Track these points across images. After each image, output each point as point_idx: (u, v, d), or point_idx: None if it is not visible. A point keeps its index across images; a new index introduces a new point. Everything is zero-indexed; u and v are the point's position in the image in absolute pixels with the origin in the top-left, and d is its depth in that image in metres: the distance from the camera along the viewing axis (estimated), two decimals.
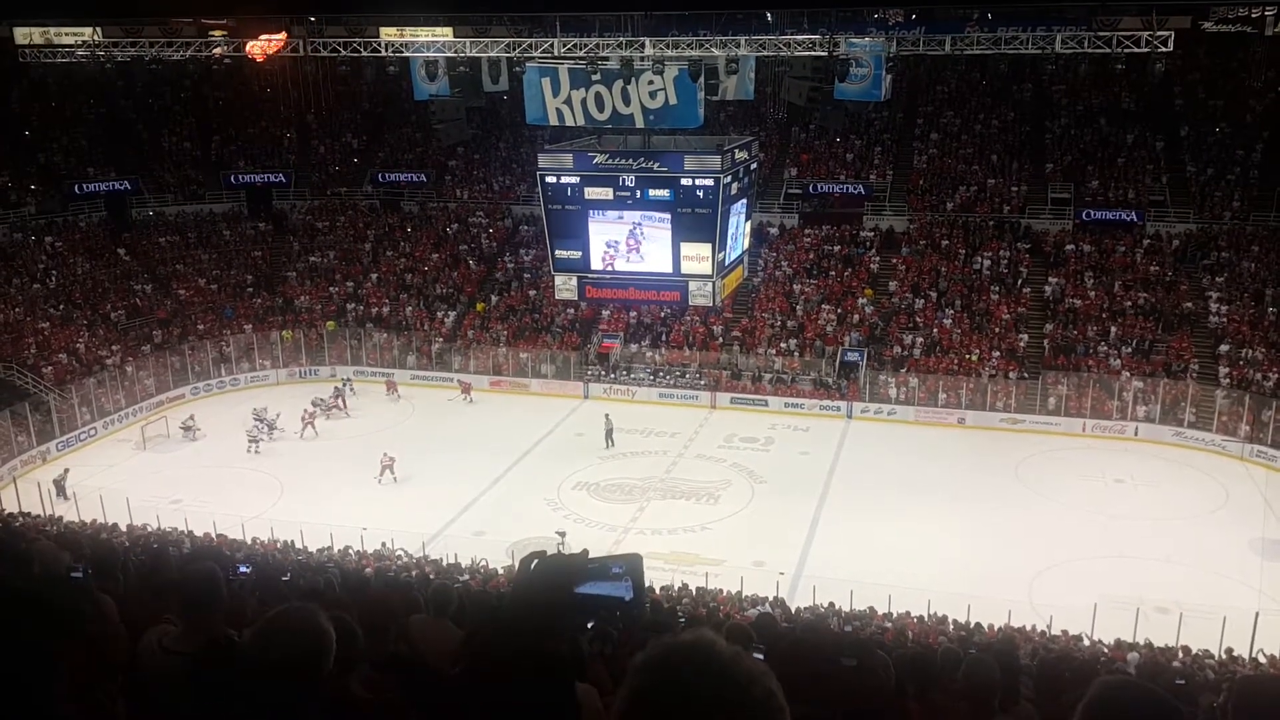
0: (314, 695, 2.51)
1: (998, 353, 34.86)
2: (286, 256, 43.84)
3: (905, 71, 39.71)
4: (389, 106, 47.99)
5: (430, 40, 29.24)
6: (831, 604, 19.66)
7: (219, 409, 35.61)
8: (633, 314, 38.73)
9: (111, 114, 45.38)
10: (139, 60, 32.71)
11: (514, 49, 25.84)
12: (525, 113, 23.96)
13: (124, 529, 21.82)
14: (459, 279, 41.85)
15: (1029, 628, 18.73)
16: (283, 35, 31.68)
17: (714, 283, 23.58)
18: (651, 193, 22.72)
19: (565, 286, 25.08)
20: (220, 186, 45.47)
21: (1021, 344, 35.27)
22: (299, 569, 13.33)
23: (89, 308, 38.21)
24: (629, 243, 23.61)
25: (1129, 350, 33.95)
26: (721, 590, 20.49)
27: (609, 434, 31.58)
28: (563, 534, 23.36)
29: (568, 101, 22.71)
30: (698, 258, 23.14)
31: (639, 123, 22.69)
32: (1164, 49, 23.94)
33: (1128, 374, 33.20)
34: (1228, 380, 32.34)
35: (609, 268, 24.08)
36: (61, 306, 37.65)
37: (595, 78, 22.41)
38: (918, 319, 36.68)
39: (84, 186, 42.55)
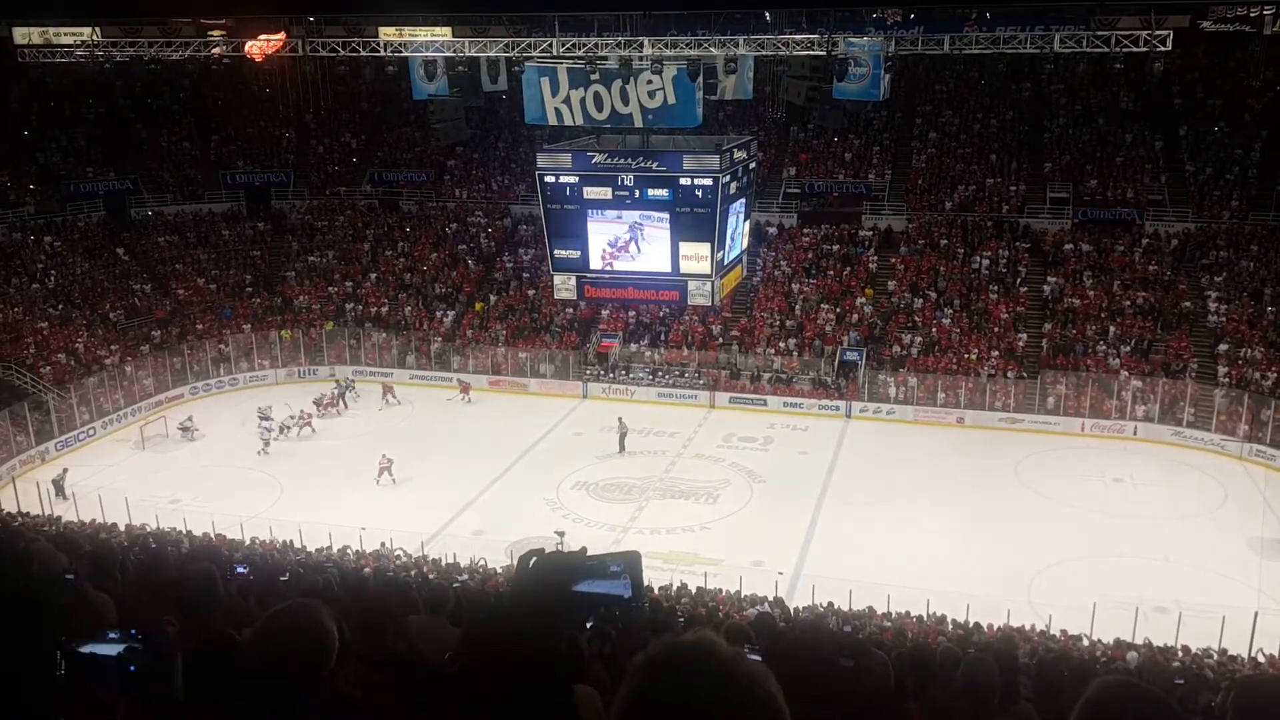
0: (315, 694, 2.50)
1: (996, 352, 34.87)
2: (285, 256, 43.82)
3: (904, 71, 39.67)
4: (388, 106, 47.95)
5: (429, 40, 29.20)
6: (830, 604, 19.66)
7: (218, 409, 35.61)
8: (631, 313, 38.73)
9: (110, 114, 45.37)
10: (138, 60, 32.72)
11: (513, 49, 25.81)
12: (524, 112, 23.91)
13: (122, 529, 21.83)
14: (458, 279, 41.84)
15: (1028, 627, 18.75)
16: (281, 35, 31.67)
17: (713, 282, 23.55)
18: (650, 192, 22.69)
19: (564, 286, 25.05)
20: (219, 186, 45.47)
21: (1020, 343, 35.28)
22: (298, 569, 13.33)
23: (88, 307, 38.19)
24: (628, 242, 23.59)
25: (1128, 350, 33.96)
26: (720, 590, 20.50)
27: (622, 438, 31.32)
28: (561, 534, 23.36)
29: (566, 101, 22.69)
30: (696, 257, 23.12)
31: (638, 122, 22.67)
32: (1162, 48, 23.95)
33: (1126, 373, 33.21)
34: (1226, 379, 32.36)
35: (608, 267, 24.07)
36: (60, 306, 37.63)
37: (594, 77, 22.40)
38: (916, 318, 36.69)
39: (83, 186, 42.56)
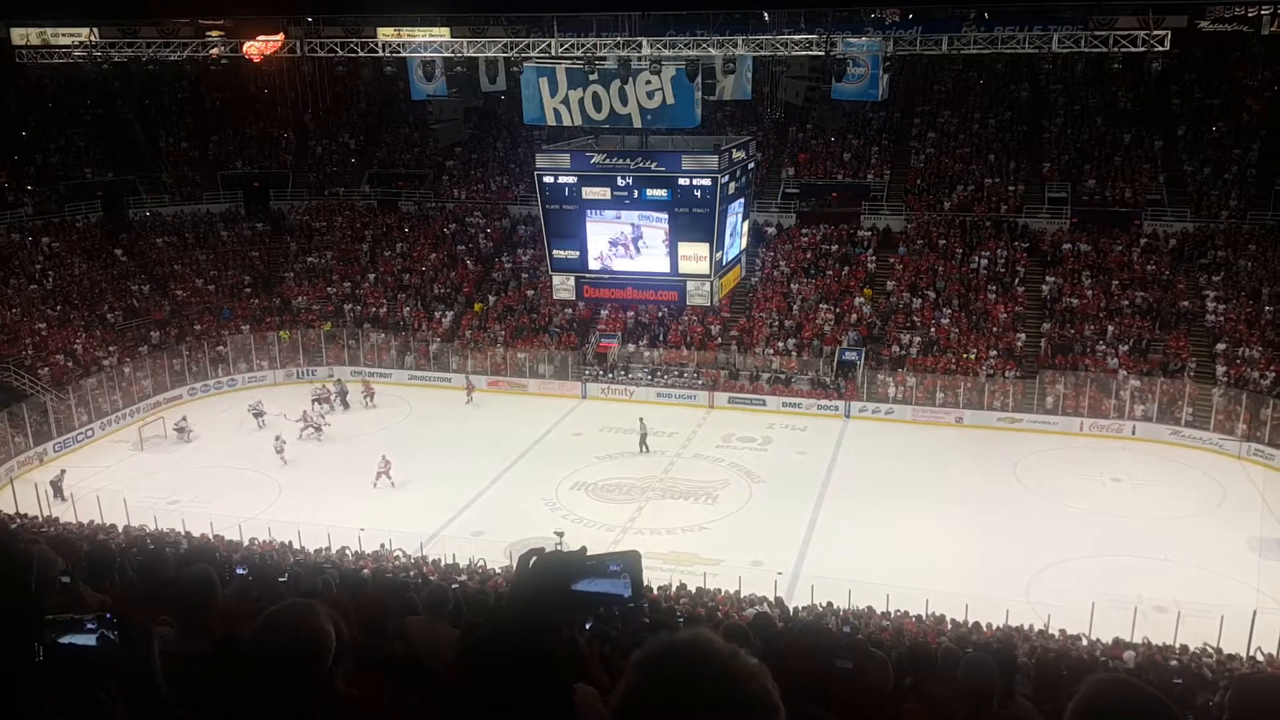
0: (312, 694, 2.50)
1: (995, 352, 34.89)
2: (284, 257, 43.81)
3: (902, 71, 39.65)
4: (386, 107, 47.97)
5: (427, 40, 29.19)
6: (830, 604, 19.66)
7: (217, 410, 35.59)
8: (630, 314, 38.73)
9: (109, 114, 45.38)
10: (136, 61, 32.67)
11: (511, 49, 25.81)
12: (523, 113, 23.94)
13: (121, 530, 21.79)
14: (456, 279, 41.83)
15: (1027, 627, 18.77)
16: (280, 36, 31.63)
17: (711, 282, 23.56)
18: (649, 192, 22.69)
19: (563, 286, 25.05)
20: (217, 187, 45.45)
21: (1019, 343, 35.29)
22: (296, 570, 13.31)
23: (86, 308, 38.17)
24: (627, 242, 23.60)
25: (1126, 349, 33.99)
26: (720, 590, 20.51)
27: (643, 438, 31.20)
28: (561, 534, 23.33)
29: (565, 101, 22.71)
30: (695, 257, 23.13)
31: (636, 122, 22.69)
32: (1161, 48, 23.96)
33: (1125, 373, 33.23)
34: (1225, 379, 32.38)
35: (607, 267, 24.08)
36: (59, 307, 37.61)
37: (593, 78, 22.41)
38: (915, 318, 36.70)
39: (81, 187, 42.50)
